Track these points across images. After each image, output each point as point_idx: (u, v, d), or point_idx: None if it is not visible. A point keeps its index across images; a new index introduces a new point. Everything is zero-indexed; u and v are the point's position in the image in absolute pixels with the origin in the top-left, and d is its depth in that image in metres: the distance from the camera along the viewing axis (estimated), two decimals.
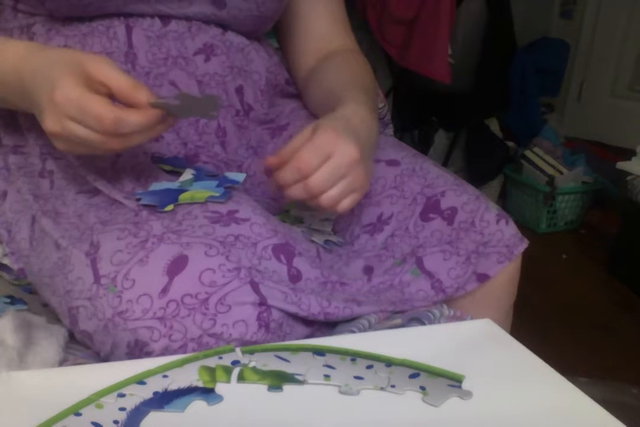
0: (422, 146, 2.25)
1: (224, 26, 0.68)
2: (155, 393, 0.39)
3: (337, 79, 0.70)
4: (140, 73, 0.63)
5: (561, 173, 2.05)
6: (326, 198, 0.53)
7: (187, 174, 0.59)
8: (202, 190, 0.54)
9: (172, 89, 0.64)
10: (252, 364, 0.42)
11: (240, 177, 0.59)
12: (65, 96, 0.46)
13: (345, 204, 0.55)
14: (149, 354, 0.45)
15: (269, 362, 0.43)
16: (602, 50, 2.40)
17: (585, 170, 2.10)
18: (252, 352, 0.44)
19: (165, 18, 0.64)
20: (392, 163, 0.67)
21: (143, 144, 0.58)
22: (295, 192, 0.53)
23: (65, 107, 0.46)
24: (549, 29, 2.56)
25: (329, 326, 0.54)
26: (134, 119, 0.47)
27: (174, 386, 0.40)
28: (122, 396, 0.39)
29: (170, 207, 0.52)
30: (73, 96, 0.46)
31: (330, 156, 0.52)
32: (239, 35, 0.70)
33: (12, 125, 0.65)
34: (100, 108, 0.46)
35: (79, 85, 0.47)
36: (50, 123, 0.48)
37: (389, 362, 0.43)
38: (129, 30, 0.63)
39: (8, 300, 0.58)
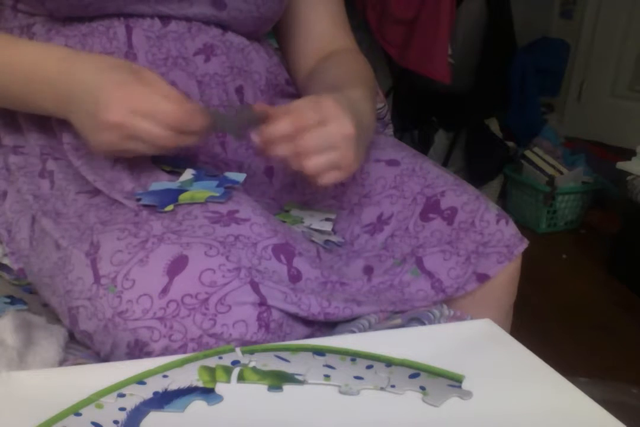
0: (422, 146, 2.25)
1: (224, 27, 0.68)
2: (155, 393, 0.39)
3: (338, 76, 0.71)
4: None
5: (561, 173, 2.05)
6: (311, 163, 0.53)
7: (187, 174, 0.59)
8: (202, 190, 0.54)
9: None
10: (252, 364, 0.42)
11: (240, 177, 0.59)
12: (135, 91, 0.50)
13: (327, 178, 0.55)
14: (149, 354, 0.45)
15: (269, 362, 0.43)
16: (602, 50, 2.40)
17: (585, 170, 2.10)
18: (252, 352, 0.44)
19: (165, 19, 0.64)
20: (392, 163, 0.67)
21: None
22: (282, 148, 0.53)
23: (134, 99, 0.50)
24: (549, 29, 2.56)
25: (329, 326, 0.54)
26: (198, 120, 0.52)
27: (174, 386, 0.40)
28: (122, 396, 0.39)
29: (170, 208, 0.52)
30: (145, 91, 0.51)
31: (326, 123, 0.53)
32: (239, 35, 0.70)
33: (12, 125, 0.65)
34: (173, 104, 0.50)
35: (142, 85, 0.51)
36: (114, 113, 0.49)
37: (389, 362, 0.43)
38: (129, 30, 0.63)
39: (8, 300, 0.58)
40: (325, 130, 0.53)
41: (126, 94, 0.50)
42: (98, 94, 0.51)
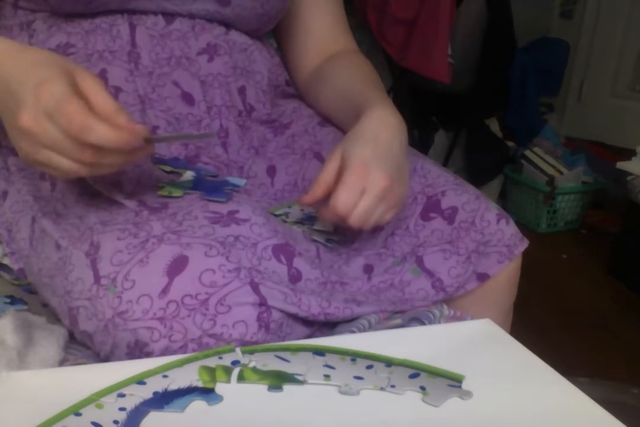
0: (422, 146, 2.25)
1: (227, 25, 0.68)
2: (155, 393, 0.39)
3: (352, 78, 0.71)
4: (143, 73, 0.63)
5: (561, 173, 2.05)
6: (367, 226, 0.56)
7: (188, 176, 0.59)
8: (179, 190, 0.55)
9: (175, 90, 0.64)
10: (252, 364, 0.42)
11: (240, 182, 0.59)
12: (49, 91, 0.43)
13: (384, 220, 0.57)
14: (149, 355, 0.45)
15: (269, 362, 0.43)
16: (602, 50, 2.39)
17: (585, 170, 2.10)
18: (252, 352, 0.44)
19: (169, 16, 0.64)
20: None
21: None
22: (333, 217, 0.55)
23: (45, 101, 0.43)
24: (549, 29, 2.56)
25: (329, 326, 0.54)
26: (103, 130, 0.43)
27: (174, 386, 0.40)
28: (122, 396, 0.39)
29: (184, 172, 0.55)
30: (56, 92, 0.43)
31: (364, 191, 0.54)
32: (242, 34, 0.70)
33: None
34: (74, 107, 0.42)
35: (66, 85, 0.44)
36: (26, 116, 0.43)
37: (389, 362, 0.43)
38: (132, 28, 0.63)
39: (8, 300, 0.58)
40: (366, 198, 0.54)
41: (43, 93, 0.43)
42: (17, 95, 0.44)
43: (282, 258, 0.52)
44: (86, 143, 0.43)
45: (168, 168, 0.60)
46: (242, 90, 0.70)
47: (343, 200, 0.53)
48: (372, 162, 0.55)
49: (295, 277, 0.52)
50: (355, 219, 0.54)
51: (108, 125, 0.43)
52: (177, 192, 0.55)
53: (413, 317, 0.55)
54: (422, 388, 0.41)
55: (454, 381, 0.41)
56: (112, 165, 0.47)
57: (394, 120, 0.61)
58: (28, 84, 0.44)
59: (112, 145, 0.44)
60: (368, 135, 0.58)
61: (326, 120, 0.75)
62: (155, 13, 0.64)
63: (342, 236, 0.64)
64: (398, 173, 0.57)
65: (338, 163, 0.56)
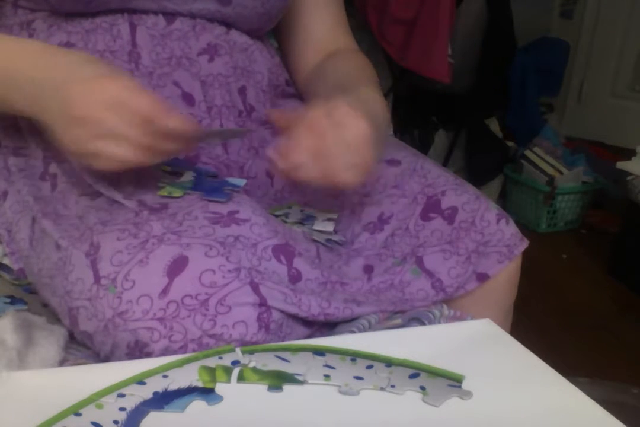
0: (422, 146, 2.25)
1: (227, 24, 0.68)
2: (155, 393, 0.39)
3: (344, 75, 0.71)
4: (143, 73, 0.63)
5: (561, 173, 2.05)
6: (327, 166, 0.52)
7: (188, 176, 0.59)
8: (179, 190, 0.55)
9: (175, 90, 0.64)
10: (252, 364, 0.42)
11: (240, 182, 0.59)
12: (104, 84, 0.47)
13: (346, 177, 0.53)
14: (149, 355, 0.45)
15: (269, 362, 0.43)
16: (602, 50, 2.39)
17: (585, 170, 2.10)
18: (252, 353, 0.44)
19: (169, 16, 0.64)
20: (393, 162, 0.67)
21: None
22: (300, 156, 0.52)
23: (102, 92, 0.46)
24: (549, 29, 2.56)
25: (329, 326, 0.54)
26: (175, 115, 0.48)
27: (174, 386, 0.40)
28: (122, 396, 0.39)
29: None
30: (115, 85, 0.47)
31: (342, 127, 0.52)
32: (242, 34, 0.70)
33: (13, 127, 0.65)
34: (145, 98, 0.47)
35: (98, 100, 0.47)
36: (79, 107, 0.46)
37: (389, 362, 0.43)
38: (132, 28, 0.63)
39: (8, 300, 0.58)
40: (340, 133, 0.52)
41: (94, 88, 0.46)
42: (66, 89, 0.47)
43: (282, 258, 0.52)
44: (153, 129, 0.47)
45: (168, 168, 0.60)
46: (242, 91, 0.70)
47: (317, 120, 0.52)
48: (356, 110, 0.53)
49: (295, 278, 0.52)
50: (325, 148, 0.51)
51: (174, 116, 0.48)
52: (177, 193, 0.55)
53: (413, 317, 0.55)
54: (422, 388, 0.41)
55: (454, 381, 0.41)
56: (165, 153, 0.50)
57: (378, 97, 0.61)
58: (75, 81, 0.47)
59: (180, 131, 0.48)
60: (354, 97, 0.57)
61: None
62: (155, 13, 0.64)
63: (342, 236, 0.64)
64: (377, 137, 0.55)
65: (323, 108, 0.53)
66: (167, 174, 0.60)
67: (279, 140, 0.53)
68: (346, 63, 0.74)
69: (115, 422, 0.36)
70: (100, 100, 0.46)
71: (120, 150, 0.48)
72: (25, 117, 0.57)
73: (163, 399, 0.38)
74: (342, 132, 0.52)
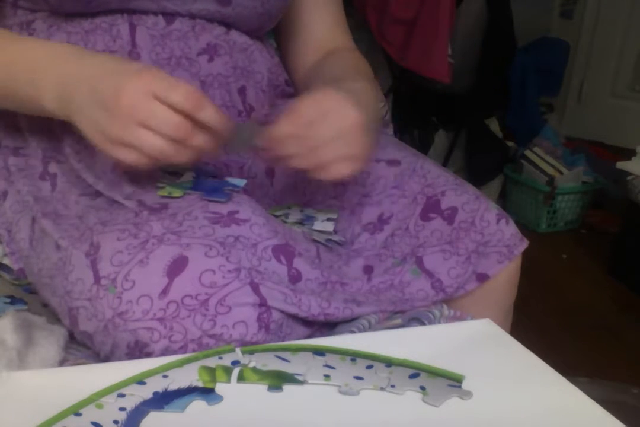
0: (422, 146, 2.25)
1: (227, 25, 0.68)
2: (155, 393, 0.39)
3: (338, 70, 0.71)
4: None
5: (561, 173, 2.05)
6: (321, 156, 0.52)
7: (188, 176, 0.59)
8: (179, 190, 0.55)
9: None
10: (252, 364, 0.42)
11: (240, 182, 0.59)
12: (152, 74, 0.48)
13: (339, 170, 0.53)
14: (149, 355, 0.45)
15: (269, 362, 0.43)
16: (602, 50, 2.39)
17: (585, 170, 2.10)
18: (252, 353, 0.44)
19: (169, 16, 0.64)
20: (393, 163, 0.67)
21: None
22: (289, 146, 0.52)
23: (149, 83, 0.47)
24: (549, 29, 2.56)
25: (329, 326, 0.54)
26: (212, 108, 0.49)
27: (174, 386, 0.40)
28: (122, 396, 0.39)
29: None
30: (162, 75, 0.48)
31: (330, 115, 0.52)
32: (242, 34, 0.70)
33: (12, 127, 0.65)
34: (189, 86, 0.48)
35: (147, 90, 0.47)
36: (127, 96, 0.47)
37: (389, 362, 0.43)
38: (132, 28, 0.63)
39: (8, 300, 0.58)
40: (329, 121, 0.51)
41: (138, 78, 0.47)
42: (110, 79, 0.48)
43: (282, 258, 0.52)
44: (192, 120, 0.48)
45: (169, 168, 0.60)
46: (242, 91, 0.70)
47: (304, 110, 0.51)
48: (345, 98, 0.53)
49: (295, 278, 0.52)
50: (312, 136, 0.51)
51: (209, 108, 0.49)
52: (176, 193, 0.55)
53: (413, 317, 0.55)
54: (422, 388, 0.41)
55: (454, 381, 0.41)
56: (197, 148, 0.50)
57: (367, 95, 0.60)
58: (120, 73, 0.49)
59: (216, 124, 0.49)
60: (344, 88, 0.57)
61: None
62: (155, 13, 0.64)
63: (342, 236, 0.64)
64: (369, 130, 0.54)
65: (310, 97, 0.53)
66: (166, 174, 0.60)
67: (267, 130, 0.53)
68: (342, 60, 0.74)
69: (115, 422, 0.36)
70: (144, 90, 0.47)
71: (154, 140, 0.48)
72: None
73: (163, 399, 0.38)
74: (332, 121, 0.52)
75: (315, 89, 0.57)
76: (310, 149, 0.52)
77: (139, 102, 0.47)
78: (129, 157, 0.49)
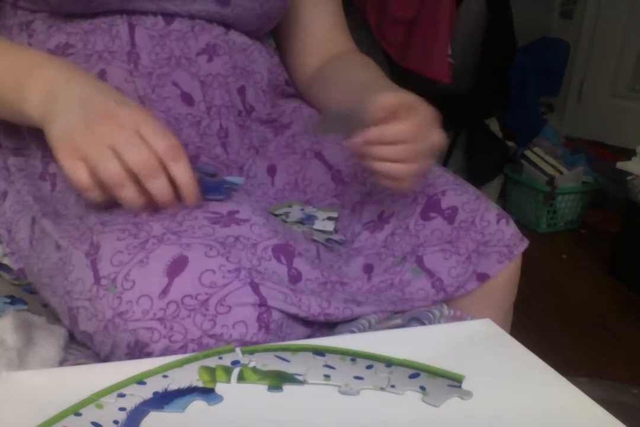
0: None
1: (226, 25, 0.68)
2: (155, 393, 0.39)
3: (362, 76, 0.71)
4: (142, 73, 0.63)
5: (561, 173, 2.05)
6: (402, 168, 0.54)
7: None
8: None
9: (175, 90, 0.64)
10: (252, 364, 0.42)
11: (240, 180, 0.59)
12: (117, 127, 0.47)
13: (410, 184, 0.56)
14: (149, 355, 0.45)
15: (269, 362, 0.43)
16: (602, 50, 2.39)
17: (585, 170, 2.10)
18: (252, 353, 0.44)
19: (168, 16, 0.64)
20: None
21: None
22: (387, 151, 0.53)
23: (112, 135, 0.47)
24: (549, 29, 2.56)
25: (329, 326, 0.54)
26: (183, 167, 0.49)
27: (174, 386, 0.40)
28: (122, 396, 0.39)
29: None
30: (126, 130, 0.47)
31: (428, 134, 0.54)
32: (241, 35, 0.70)
33: (12, 127, 0.65)
34: (160, 138, 0.48)
35: (133, 124, 0.48)
36: (88, 141, 0.47)
37: (389, 362, 0.43)
38: (131, 29, 0.63)
39: (8, 300, 0.58)
40: (426, 144, 0.54)
41: (132, 113, 0.49)
42: (106, 101, 0.49)
43: (282, 258, 0.52)
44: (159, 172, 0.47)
45: None
46: (241, 90, 0.70)
47: (406, 123, 0.52)
48: (434, 118, 0.56)
49: (295, 278, 0.52)
50: (414, 150, 0.53)
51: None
52: None
53: (413, 317, 0.55)
54: (422, 388, 0.41)
55: (454, 381, 0.41)
56: (151, 192, 0.48)
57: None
58: (122, 101, 0.49)
59: (183, 181, 0.49)
60: (410, 94, 0.58)
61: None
62: (154, 14, 0.64)
63: (343, 235, 0.64)
64: None
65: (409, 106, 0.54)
66: None
67: (363, 124, 0.53)
68: (357, 65, 0.74)
69: (115, 422, 0.36)
70: (131, 123, 0.48)
71: (115, 166, 0.47)
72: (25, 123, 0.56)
73: (163, 399, 0.38)
74: (427, 142, 0.54)
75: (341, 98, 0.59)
76: (401, 159, 0.54)
77: (121, 129, 0.47)
78: (79, 173, 0.48)
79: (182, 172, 0.49)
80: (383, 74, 0.72)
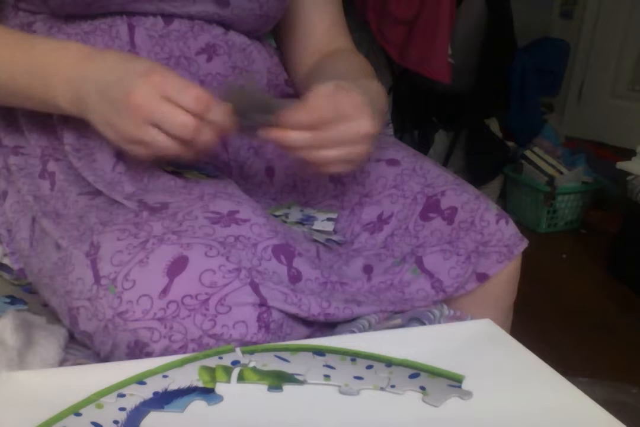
0: (422, 146, 2.25)
1: (226, 26, 0.68)
2: (155, 393, 0.39)
3: (344, 70, 0.71)
4: None
5: (561, 173, 2.05)
6: (326, 155, 0.53)
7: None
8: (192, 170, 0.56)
9: None
10: (252, 364, 0.42)
11: None
12: (161, 75, 0.50)
13: (335, 169, 0.55)
14: (149, 355, 0.45)
15: (269, 362, 0.43)
16: (602, 50, 2.39)
17: (585, 170, 2.10)
18: (252, 352, 0.44)
19: (167, 17, 0.64)
20: (393, 162, 0.67)
21: None
22: (298, 138, 0.52)
23: (160, 83, 0.49)
24: (549, 29, 2.56)
25: (329, 326, 0.54)
26: (220, 110, 0.51)
27: (174, 386, 0.40)
28: (122, 396, 0.39)
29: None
30: (171, 76, 0.50)
31: (347, 120, 0.52)
32: (241, 35, 0.70)
33: (13, 126, 0.65)
34: (199, 89, 0.49)
35: (156, 92, 0.49)
36: (140, 95, 0.49)
37: (389, 362, 0.43)
38: (131, 29, 0.63)
39: (8, 300, 0.58)
40: (345, 126, 0.52)
41: (150, 80, 0.49)
42: (121, 84, 0.50)
43: (282, 258, 0.52)
44: (202, 120, 0.50)
45: (169, 168, 0.60)
46: None
47: (324, 108, 0.51)
48: (365, 102, 0.54)
49: (295, 278, 0.52)
50: (324, 136, 0.52)
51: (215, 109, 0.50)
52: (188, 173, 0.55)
53: (413, 317, 0.55)
54: (422, 388, 0.41)
55: (454, 381, 0.41)
56: (202, 145, 0.52)
57: (377, 93, 0.62)
58: (133, 71, 0.50)
59: (223, 123, 0.51)
60: (358, 84, 0.57)
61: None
62: (154, 14, 0.64)
63: (342, 236, 0.64)
64: (376, 135, 0.55)
65: (331, 90, 0.53)
66: (168, 173, 0.60)
67: (280, 113, 0.53)
68: (344, 60, 0.74)
69: (115, 422, 0.36)
70: (155, 91, 0.49)
71: (166, 140, 0.50)
72: (24, 114, 0.59)
73: (163, 399, 0.38)
74: (347, 126, 0.52)
75: (331, 81, 0.57)
76: (318, 146, 0.53)
77: (148, 103, 0.49)
78: (142, 152, 0.52)
79: (219, 117, 0.51)
80: (367, 72, 0.72)
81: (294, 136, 0.52)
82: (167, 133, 0.49)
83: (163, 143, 0.50)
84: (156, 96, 0.49)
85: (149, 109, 0.49)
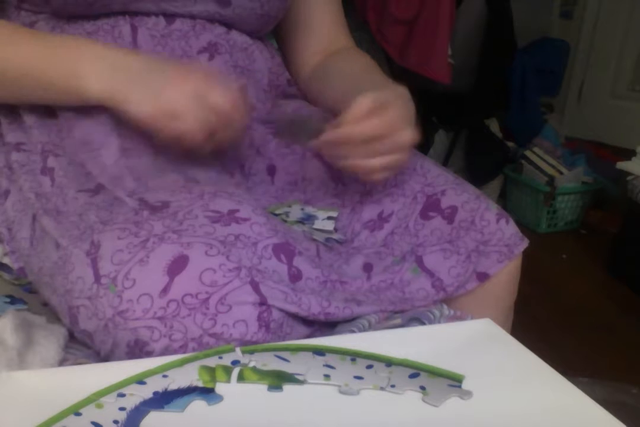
0: (422, 146, 2.25)
1: (228, 25, 0.69)
2: (155, 393, 0.39)
3: (361, 67, 0.73)
4: None
5: (561, 173, 2.05)
6: (372, 164, 0.57)
7: None
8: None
9: None
10: (252, 364, 0.42)
11: None
12: (199, 72, 0.55)
13: (377, 176, 0.59)
14: (149, 354, 0.45)
15: (269, 362, 0.43)
16: (602, 50, 2.40)
17: (585, 170, 2.10)
18: (252, 352, 0.44)
19: (169, 17, 0.65)
20: None
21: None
22: (347, 150, 0.57)
23: (197, 80, 0.54)
24: (549, 29, 2.56)
25: (329, 326, 0.54)
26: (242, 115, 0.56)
27: (174, 386, 0.40)
28: (122, 395, 0.39)
29: None
30: (206, 74, 0.55)
31: (392, 133, 0.56)
32: (242, 34, 0.70)
33: (16, 122, 0.65)
34: (220, 94, 0.55)
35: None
36: (177, 95, 0.54)
37: (389, 362, 0.43)
38: (134, 29, 0.63)
39: (8, 300, 0.58)
40: (391, 138, 0.56)
41: (183, 76, 0.55)
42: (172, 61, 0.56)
43: (283, 257, 0.52)
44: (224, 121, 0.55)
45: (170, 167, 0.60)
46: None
47: (368, 123, 0.55)
48: (407, 114, 0.58)
49: (295, 277, 0.52)
50: (372, 147, 0.55)
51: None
52: None
53: (413, 317, 0.55)
54: (422, 388, 0.41)
55: (454, 381, 0.41)
56: (221, 139, 0.57)
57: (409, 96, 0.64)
58: (170, 65, 0.56)
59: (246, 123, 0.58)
60: (399, 92, 0.61)
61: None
62: (156, 14, 0.64)
63: (342, 234, 0.64)
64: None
65: (374, 103, 0.56)
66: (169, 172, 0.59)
67: (329, 126, 0.57)
68: (357, 59, 0.75)
69: (115, 422, 0.36)
70: (186, 89, 0.54)
71: (200, 116, 0.54)
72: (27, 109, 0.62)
73: (163, 399, 0.38)
74: (393, 138, 0.56)
75: (337, 94, 0.64)
76: (366, 157, 0.57)
77: (202, 74, 0.55)
78: (169, 131, 0.55)
79: (244, 118, 0.57)
80: (378, 69, 0.73)
81: (341, 149, 0.57)
82: (205, 109, 0.54)
83: (195, 122, 0.54)
84: (185, 95, 0.54)
85: (201, 78, 0.54)
